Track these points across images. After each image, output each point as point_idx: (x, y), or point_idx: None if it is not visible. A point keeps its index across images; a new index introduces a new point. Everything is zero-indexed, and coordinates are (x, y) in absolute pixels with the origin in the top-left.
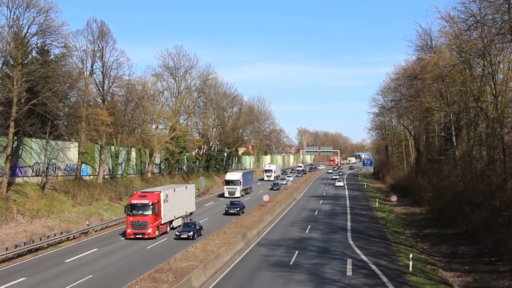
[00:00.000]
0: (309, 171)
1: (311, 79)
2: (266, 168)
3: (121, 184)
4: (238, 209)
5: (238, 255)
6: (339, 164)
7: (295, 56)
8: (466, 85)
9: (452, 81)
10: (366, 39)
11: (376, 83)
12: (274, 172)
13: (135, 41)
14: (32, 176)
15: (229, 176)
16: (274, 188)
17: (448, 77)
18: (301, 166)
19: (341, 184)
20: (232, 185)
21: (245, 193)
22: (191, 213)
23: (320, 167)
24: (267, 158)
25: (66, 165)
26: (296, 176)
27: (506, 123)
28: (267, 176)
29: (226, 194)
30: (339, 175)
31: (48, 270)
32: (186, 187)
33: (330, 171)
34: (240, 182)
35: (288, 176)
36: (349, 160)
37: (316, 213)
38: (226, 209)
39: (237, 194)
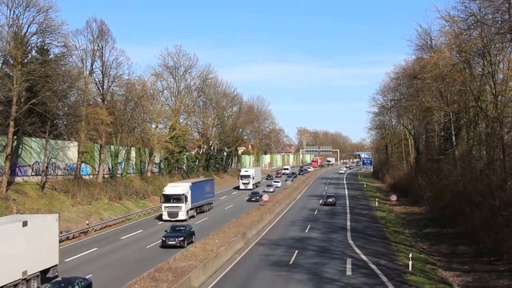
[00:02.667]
0: (299, 173)
1: (311, 79)
2: (242, 173)
3: (121, 184)
4: (182, 238)
5: (238, 255)
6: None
7: (295, 56)
8: (466, 85)
9: (452, 80)
10: (366, 39)
11: (376, 83)
12: (253, 179)
13: (134, 40)
14: (31, 175)
15: (170, 189)
16: (253, 199)
17: (448, 76)
18: (287, 169)
19: (342, 171)
20: (174, 202)
21: (198, 212)
22: (47, 270)
23: (310, 170)
24: (266, 158)
25: (66, 164)
26: (286, 181)
27: (505, 123)
28: (243, 184)
29: (165, 216)
30: (345, 166)
31: None
32: (23, 224)
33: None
34: (187, 198)
35: (275, 182)
36: (329, 161)
37: (315, 213)
38: (164, 238)
39: (182, 216)
